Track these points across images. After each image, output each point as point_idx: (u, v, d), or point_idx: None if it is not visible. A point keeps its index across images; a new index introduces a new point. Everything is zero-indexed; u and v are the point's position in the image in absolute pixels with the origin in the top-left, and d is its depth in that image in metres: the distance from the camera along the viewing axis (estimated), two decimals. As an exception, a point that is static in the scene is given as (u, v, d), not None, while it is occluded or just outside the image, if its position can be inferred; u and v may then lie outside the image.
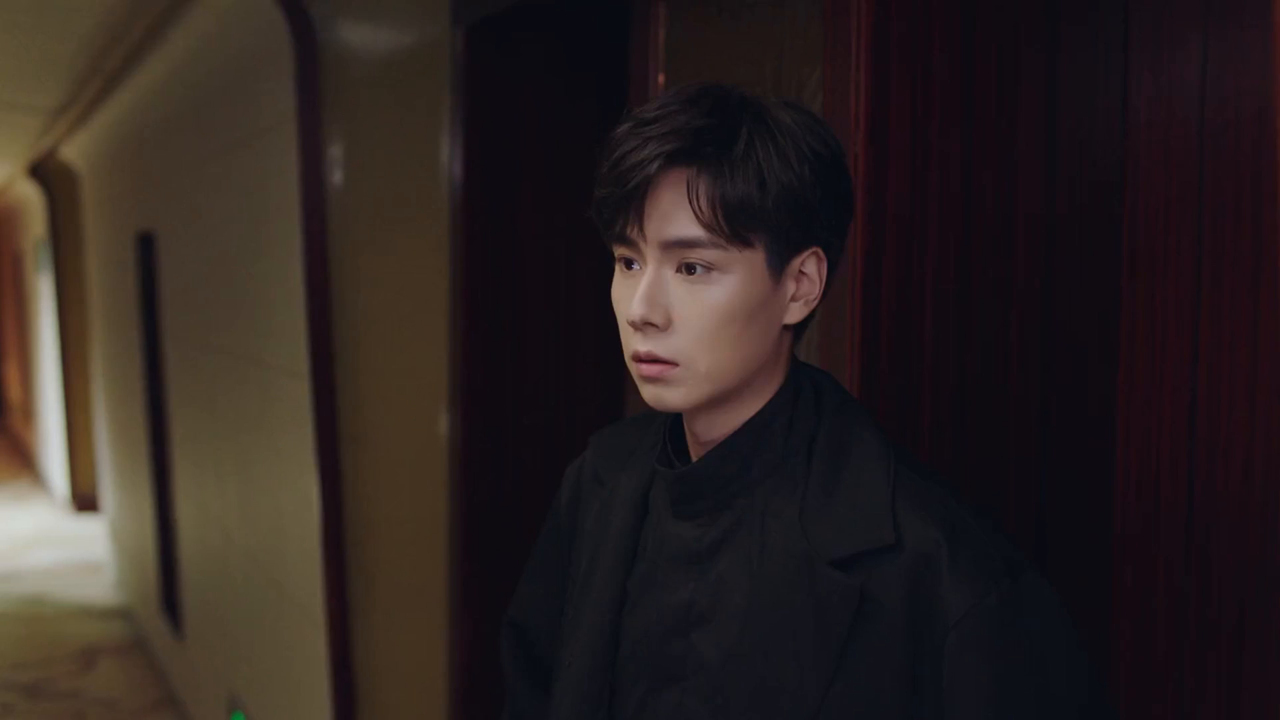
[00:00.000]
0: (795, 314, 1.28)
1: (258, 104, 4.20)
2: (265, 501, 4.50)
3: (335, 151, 3.65)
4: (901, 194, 1.70)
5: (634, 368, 1.29)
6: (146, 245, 6.68)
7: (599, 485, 1.50)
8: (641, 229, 1.24)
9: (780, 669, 1.24)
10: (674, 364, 1.25)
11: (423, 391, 3.32)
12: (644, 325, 1.25)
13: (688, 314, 1.24)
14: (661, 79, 2.19)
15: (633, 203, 1.23)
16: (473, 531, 3.11)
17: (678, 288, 1.24)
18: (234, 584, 5.13)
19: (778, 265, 1.25)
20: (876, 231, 1.69)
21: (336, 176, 3.66)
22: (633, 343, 1.27)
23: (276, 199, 3.99)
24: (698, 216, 1.21)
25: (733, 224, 1.21)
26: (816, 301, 1.29)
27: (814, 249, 1.27)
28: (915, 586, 1.21)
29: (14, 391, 15.47)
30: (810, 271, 1.28)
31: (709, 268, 1.23)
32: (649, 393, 1.28)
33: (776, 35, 1.93)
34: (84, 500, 10.73)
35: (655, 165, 1.21)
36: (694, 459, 1.36)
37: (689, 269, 1.23)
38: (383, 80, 3.52)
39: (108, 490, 8.96)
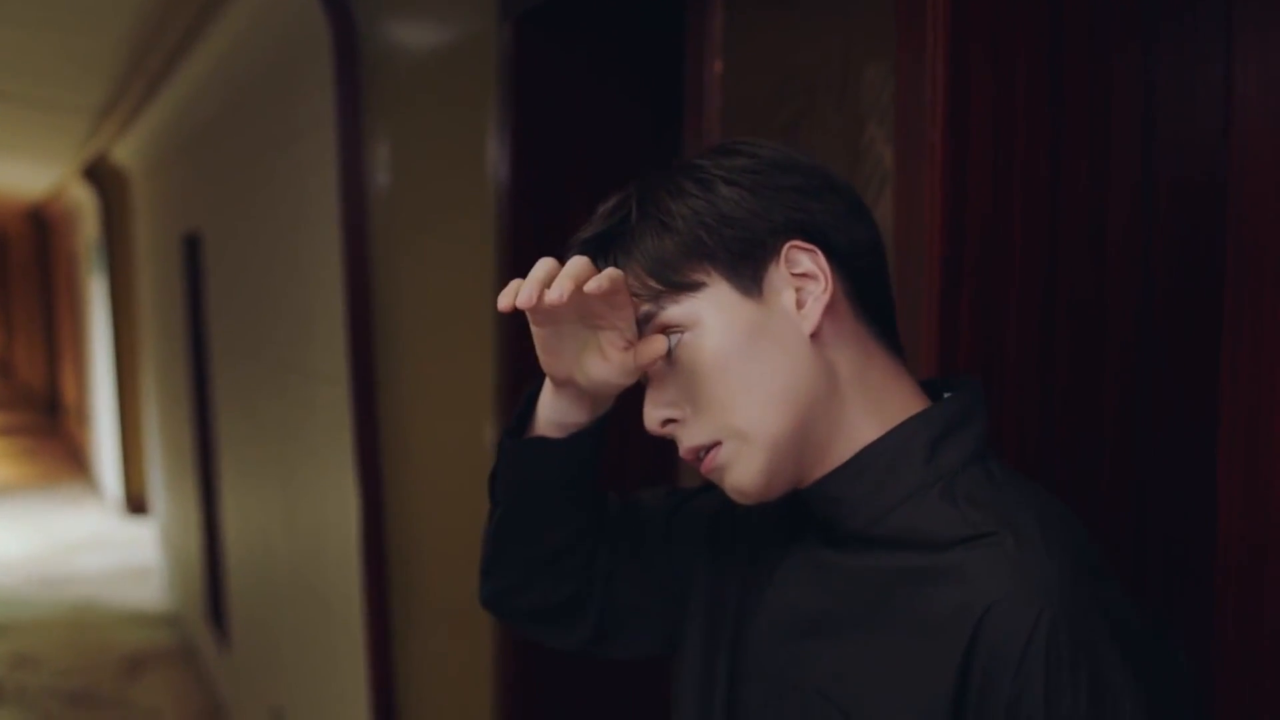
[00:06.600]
0: (811, 318, 1.16)
1: (298, 102, 4.09)
2: (307, 513, 4.39)
3: (377, 151, 3.53)
4: (983, 193, 1.54)
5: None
6: (192, 246, 6.62)
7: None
8: None
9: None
10: (716, 444, 1.18)
11: (468, 401, 3.18)
12: (667, 425, 1.20)
13: (692, 388, 1.17)
14: (718, 67, 2.05)
15: None
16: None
17: (672, 372, 1.18)
18: (277, 595, 5.03)
19: (748, 285, 1.16)
20: (956, 234, 1.53)
21: (379, 177, 3.54)
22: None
23: (316, 200, 3.88)
24: (640, 294, 1.17)
25: (663, 276, 1.16)
26: (827, 295, 1.16)
27: (787, 245, 1.16)
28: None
29: (69, 394, 15.56)
30: (806, 267, 1.16)
31: (680, 329, 1.16)
32: (727, 491, 1.21)
33: (841, 19, 1.79)
34: (136, 503, 10.75)
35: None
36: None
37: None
38: (428, 76, 3.39)
39: (157, 494, 8.94)
